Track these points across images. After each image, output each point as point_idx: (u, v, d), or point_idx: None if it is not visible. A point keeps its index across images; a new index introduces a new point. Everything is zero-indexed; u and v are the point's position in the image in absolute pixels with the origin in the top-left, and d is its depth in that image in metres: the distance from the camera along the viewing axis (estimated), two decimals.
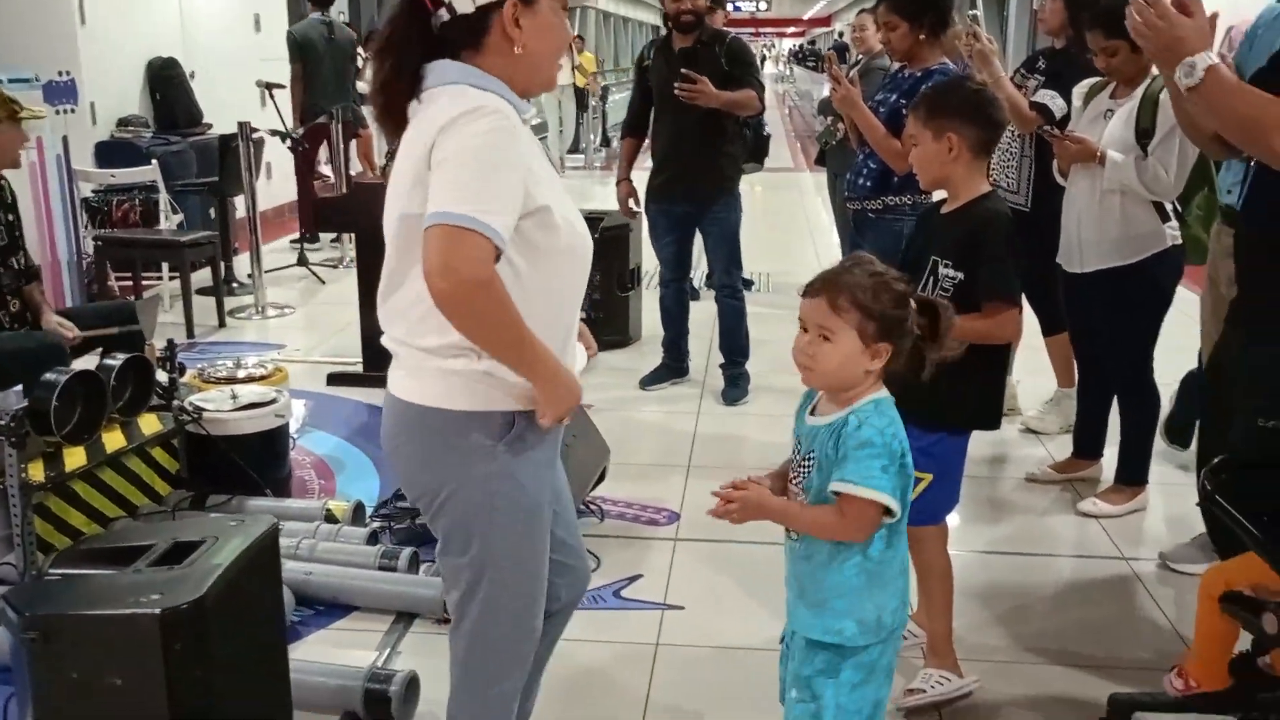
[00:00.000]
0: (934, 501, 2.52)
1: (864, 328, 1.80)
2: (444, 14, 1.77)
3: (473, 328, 1.69)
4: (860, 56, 6.34)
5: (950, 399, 2.33)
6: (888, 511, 1.81)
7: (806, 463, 1.88)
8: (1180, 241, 3.43)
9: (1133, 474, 3.62)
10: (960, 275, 2.46)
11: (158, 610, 1.85)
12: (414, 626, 2.99)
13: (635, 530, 3.55)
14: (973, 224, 2.47)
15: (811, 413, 1.92)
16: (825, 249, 6.63)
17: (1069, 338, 3.93)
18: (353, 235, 6.41)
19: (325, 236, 8.18)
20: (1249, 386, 2.42)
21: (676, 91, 4.40)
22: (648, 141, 4.93)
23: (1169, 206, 3.42)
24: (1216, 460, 1.98)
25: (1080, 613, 3.09)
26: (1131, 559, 3.36)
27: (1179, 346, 3.71)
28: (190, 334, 5.89)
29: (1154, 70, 3.36)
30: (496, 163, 1.68)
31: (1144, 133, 3.32)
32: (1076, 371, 3.99)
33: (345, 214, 5.06)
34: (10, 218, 3.96)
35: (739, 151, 4.78)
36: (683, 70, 4.43)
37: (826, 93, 5.87)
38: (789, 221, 9.34)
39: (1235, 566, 2.03)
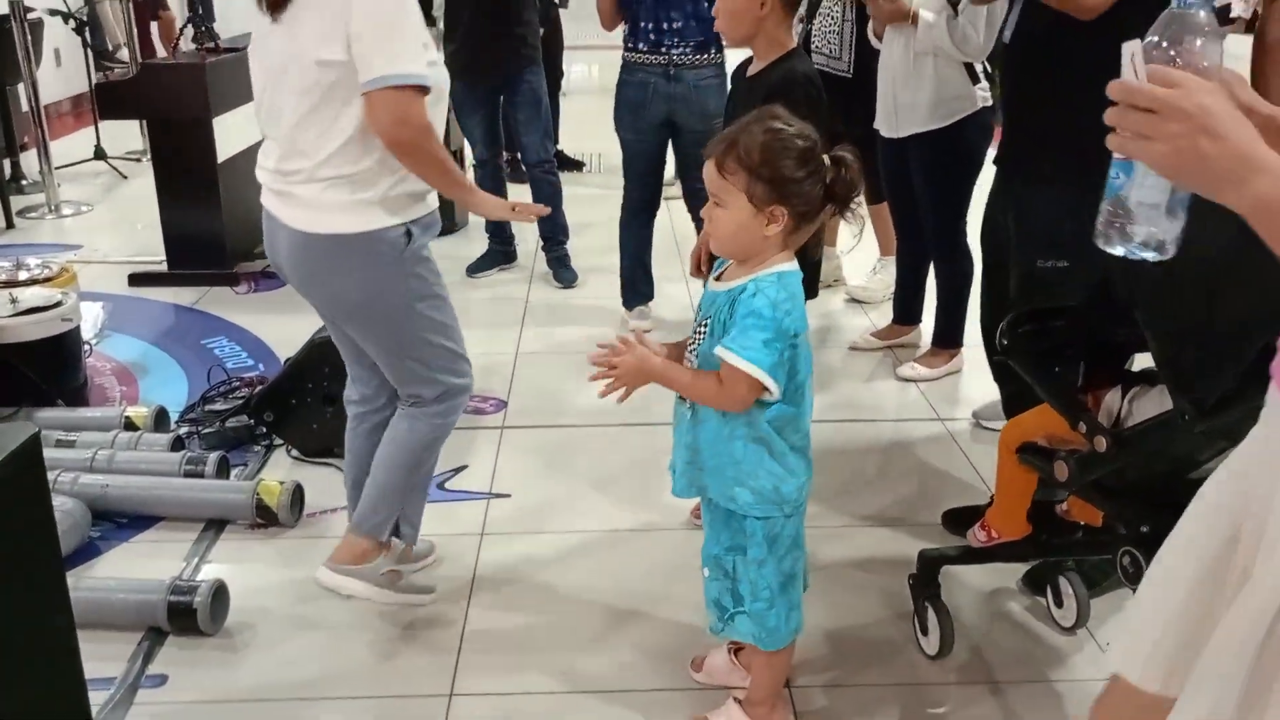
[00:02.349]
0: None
1: (753, 190, 1.71)
2: None
3: (425, 166, 2.10)
4: None
5: None
6: (766, 390, 1.75)
7: (702, 328, 1.83)
8: (991, 103, 3.46)
9: (948, 337, 3.70)
10: None
11: None
12: (225, 534, 2.85)
13: (461, 421, 3.41)
14: (771, 88, 2.35)
15: (718, 279, 1.85)
16: None
17: (888, 204, 3.95)
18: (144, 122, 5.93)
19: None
20: (1023, 231, 2.47)
21: None
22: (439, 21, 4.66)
23: (979, 68, 3.42)
24: (1012, 315, 2.00)
25: (899, 475, 3.16)
26: (947, 419, 3.45)
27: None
28: None
29: None
30: (409, 19, 2.04)
31: None
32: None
33: (136, 99, 4.66)
34: None
35: (536, 19, 4.59)
36: None
37: None
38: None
39: (1031, 418, 2.07)
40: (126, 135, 7.20)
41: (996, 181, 2.68)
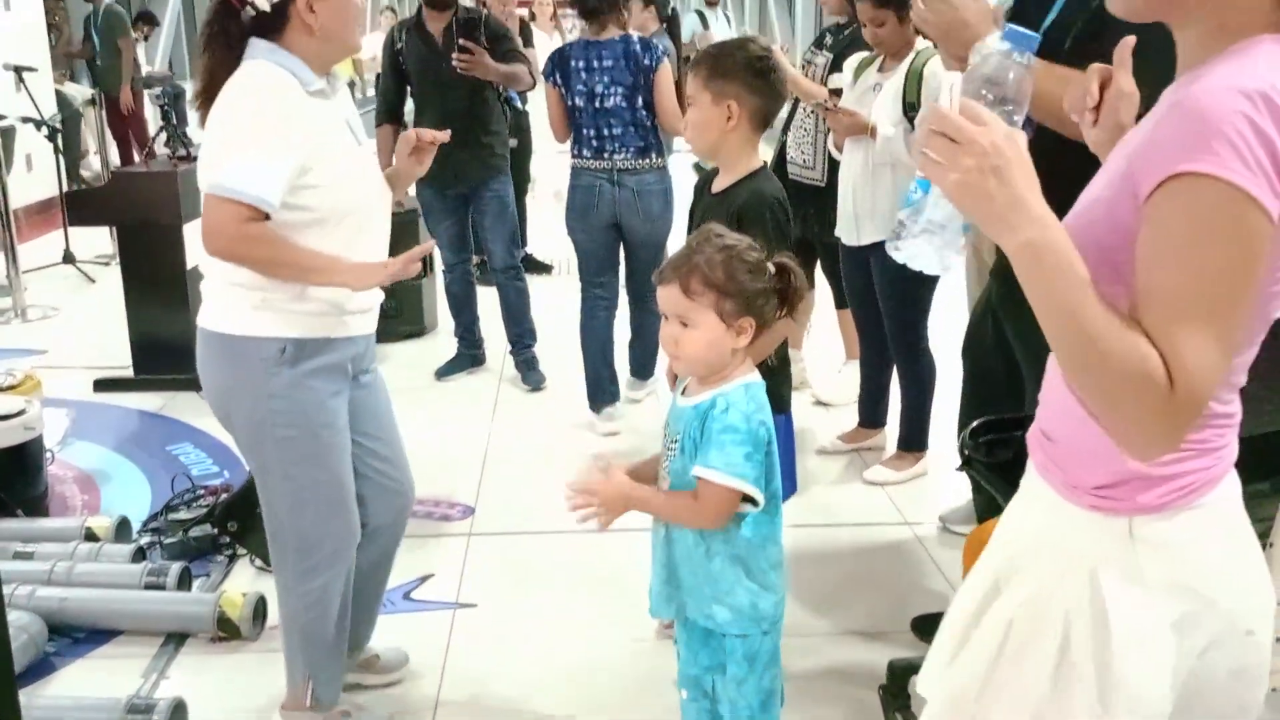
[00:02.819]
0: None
1: (722, 307, 1.74)
2: (250, 10, 2.10)
3: (256, 267, 2.07)
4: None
5: None
6: (750, 500, 1.76)
7: (673, 446, 1.83)
8: None
9: (913, 441, 3.73)
10: None
11: None
12: (185, 647, 2.80)
13: (427, 528, 3.42)
14: (737, 205, 2.34)
15: (683, 394, 1.85)
16: None
17: (850, 310, 4.02)
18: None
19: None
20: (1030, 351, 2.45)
21: (455, 62, 4.29)
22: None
23: None
24: (974, 424, 2.02)
25: (868, 581, 3.15)
26: (914, 523, 3.46)
27: (954, 314, 3.85)
28: None
29: (919, 44, 3.45)
30: (260, 135, 2.03)
31: (910, 106, 3.40)
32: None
33: (108, 206, 4.69)
34: None
35: (504, 130, 4.69)
36: (460, 41, 4.31)
37: None
38: None
39: (993, 526, 2.08)
40: (96, 238, 7.22)
41: (996, 290, 2.62)
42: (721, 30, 9.20)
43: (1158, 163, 1.02)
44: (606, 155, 3.99)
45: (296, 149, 2.05)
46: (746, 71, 2.34)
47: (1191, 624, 1.15)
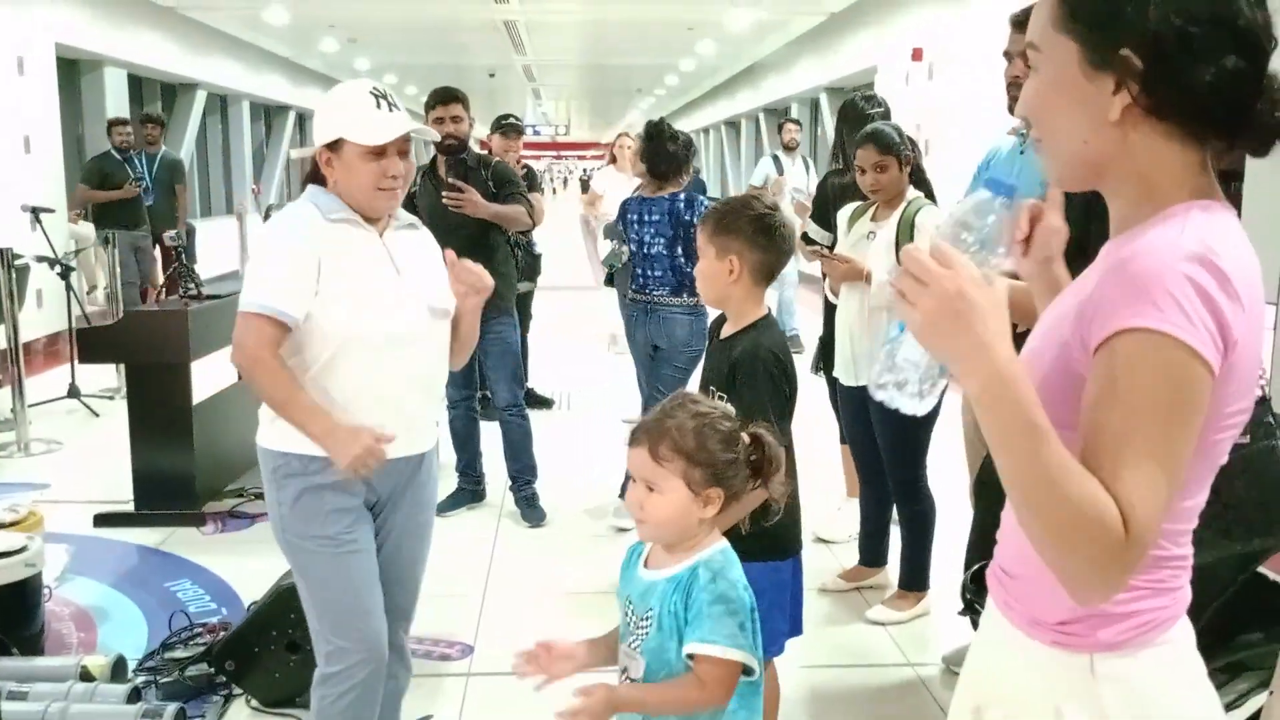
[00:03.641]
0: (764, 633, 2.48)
1: (690, 475, 1.69)
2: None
3: (256, 391, 2.28)
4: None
5: (743, 537, 2.32)
6: (746, 669, 1.70)
7: (644, 622, 1.74)
8: None
9: (914, 581, 3.73)
10: (729, 406, 2.47)
11: None
12: None
13: (426, 668, 3.39)
14: (734, 355, 2.39)
15: (645, 564, 1.78)
16: (628, 365, 6.75)
17: (849, 448, 4.06)
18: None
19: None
20: None
21: (445, 200, 4.46)
22: None
23: None
24: (975, 567, 2.05)
25: None
26: (917, 664, 3.43)
27: (954, 453, 3.89)
28: None
29: (909, 194, 3.59)
30: (277, 254, 2.30)
31: None
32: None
33: (118, 344, 4.78)
34: None
35: (512, 271, 4.82)
36: (450, 180, 4.50)
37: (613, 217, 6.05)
38: (591, 338, 9.42)
39: None
40: (101, 373, 7.31)
41: None
42: (799, 175, 9.00)
43: (1105, 318, 1.08)
44: (647, 291, 4.61)
45: (307, 258, 2.27)
46: (749, 229, 2.40)
47: None
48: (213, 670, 3.23)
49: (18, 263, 6.24)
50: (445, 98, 4.58)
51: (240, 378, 2.34)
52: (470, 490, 4.96)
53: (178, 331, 4.73)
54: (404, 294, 2.39)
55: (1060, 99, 1.17)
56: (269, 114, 18.54)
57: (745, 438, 1.75)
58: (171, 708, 2.95)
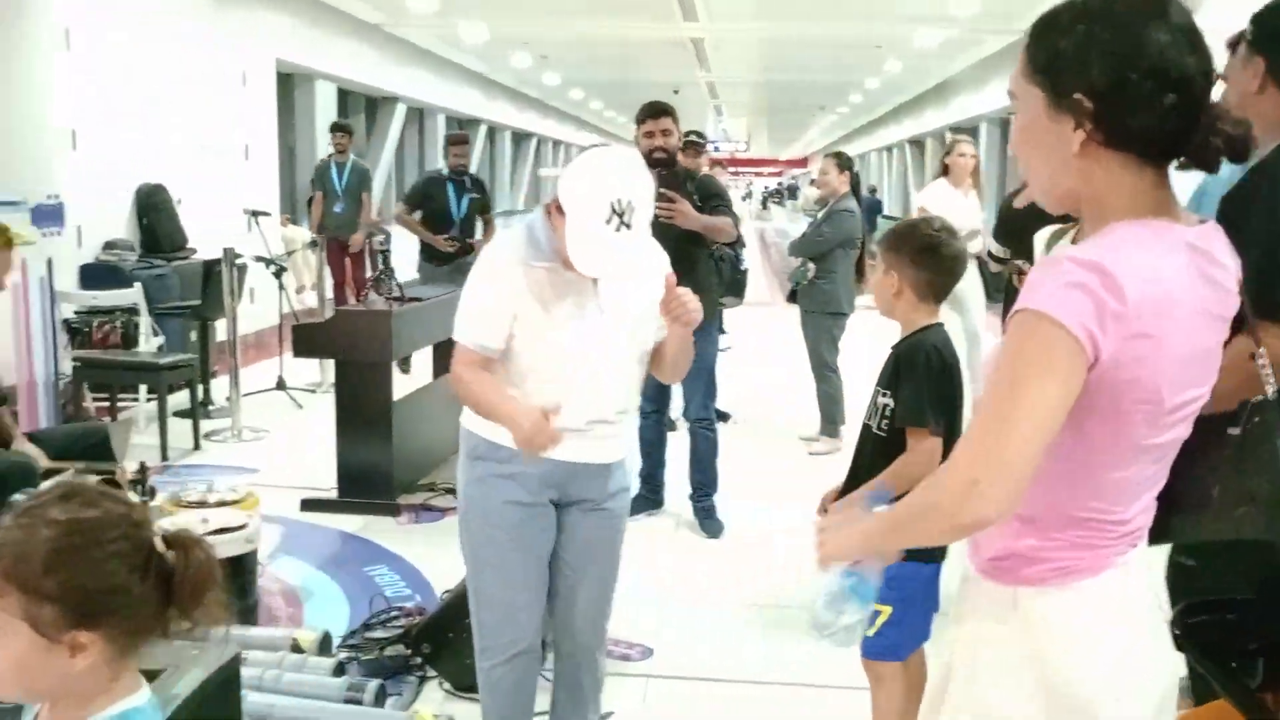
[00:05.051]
0: (893, 636, 2.50)
1: (35, 614, 1.19)
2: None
3: (459, 395, 2.48)
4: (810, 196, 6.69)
5: None
6: None
7: None
8: None
9: None
10: (890, 401, 2.52)
11: None
12: None
13: (608, 665, 3.48)
14: (899, 352, 2.54)
15: None
16: (804, 381, 6.75)
17: None
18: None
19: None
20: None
21: (655, 212, 4.48)
22: None
23: None
24: (1184, 604, 1.99)
25: None
26: None
27: None
28: (165, 456, 5.85)
29: None
30: (474, 296, 2.45)
31: None
32: None
33: (328, 340, 5.09)
34: None
35: (713, 286, 4.88)
36: (661, 190, 4.55)
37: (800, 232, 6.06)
38: (766, 356, 9.44)
39: (1207, 712, 2.02)
40: (306, 368, 7.78)
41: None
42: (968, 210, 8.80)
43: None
44: None
45: (503, 302, 2.39)
46: (913, 249, 2.54)
47: (1043, 690, 1.40)
48: (409, 652, 3.41)
49: (238, 261, 6.71)
50: (656, 112, 4.69)
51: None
52: (649, 498, 5.06)
53: (382, 331, 5.00)
54: (603, 333, 2.44)
55: (1033, 137, 1.40)
56: (461, 126, 19.30)
57: (160, 545, 1.26)
58: (373, 684, 3.15)
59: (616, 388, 2.50)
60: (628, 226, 2.27)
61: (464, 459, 2.56)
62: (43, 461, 3.80)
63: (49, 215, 6.72)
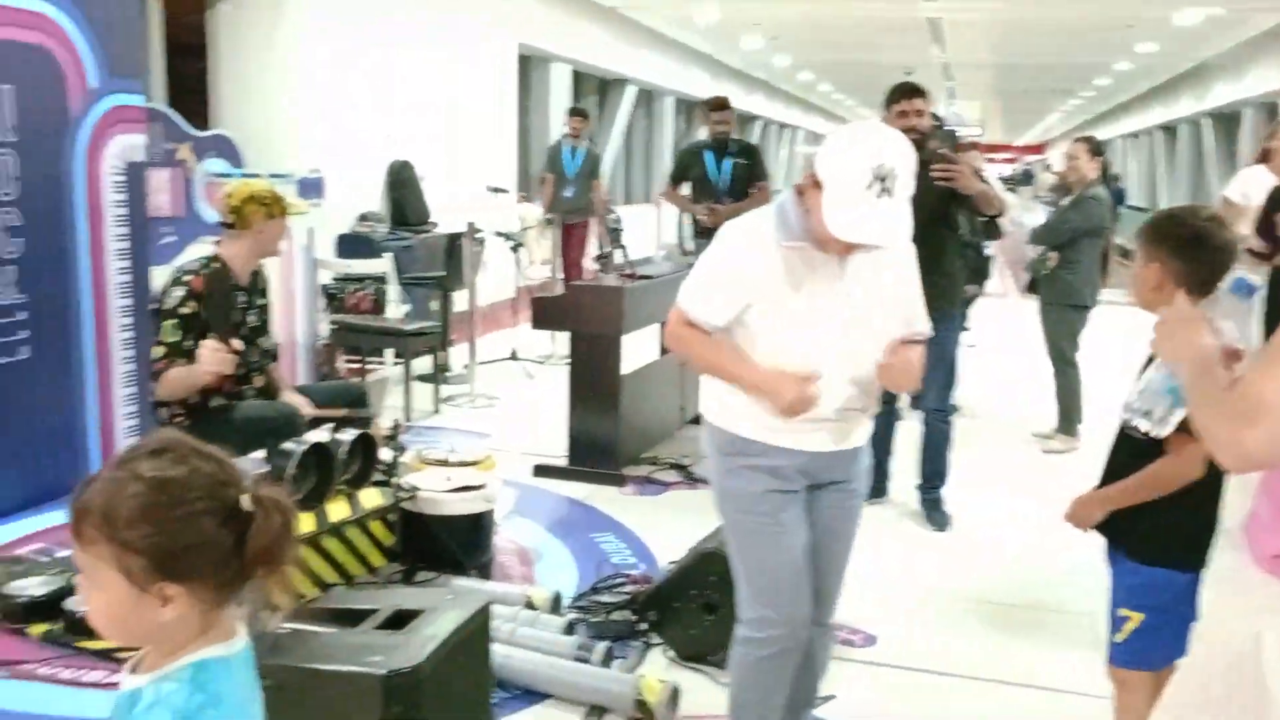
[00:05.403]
0: (1144, 645, 2.37)
1: (127, 565, 1.23)
2: None
3: (689, 364, 2.52)
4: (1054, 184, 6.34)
5: (1149, 530, 2.24)
6: None
7: None
8: None
9: None
10: None
11: (381, 672, 1.94)
12: None
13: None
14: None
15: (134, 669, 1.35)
16: (1040, 376, 6.48)
17: None
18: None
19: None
20: None
21: (933, 173, 4.27)
22: None
23: None
24: None
25: None
26: None
27: None
28: (407, 417, 6.20)
29: None
30: (712, 265, 2.45)
31: None
32: None
33: (563, 313, 5.26)
34: (262, 303, 4.31)
35: (959, 271, 4.73)
36: (940, 152, 4.41)
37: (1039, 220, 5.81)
38: (1000, 348, 9.11)
39: None
40: (537, 340, 8.07)
41: None
42: None
43: None
44: None
45: (740, 282, 2.38)
46: (1176, 239, 2.35)
47: None
48: (635, 618, 3.50)
49: (478, 236, 7.02)
50: (908, 92, 4.59)
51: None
52: (875, 486, 4.97)
53: (613, 306, 5.13)
54: (852, 317, 2.40)
55: None
56: (689, 109, 19.45)
57: (246, 502, 1.27)
58: (602, 645, 3.25)
59: (864, 374, 2.46)
60: (889, 194, 2.21)
61: (714, 453, 2.56)
62: (308, 410, 4.10)
63: (311, 188, 7.21)
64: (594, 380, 5.18)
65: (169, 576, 1.23)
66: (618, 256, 5.75)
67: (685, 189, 7.24)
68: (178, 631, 1.26)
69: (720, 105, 7.29)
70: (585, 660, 3.20)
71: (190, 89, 7.59)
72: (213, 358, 3.79)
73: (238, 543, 1.25)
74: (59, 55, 4.55)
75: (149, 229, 5.09)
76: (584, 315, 5.18)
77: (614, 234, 6.01)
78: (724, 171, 7.05)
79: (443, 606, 2.19)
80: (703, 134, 7.54)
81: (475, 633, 2.24)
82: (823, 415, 2.39)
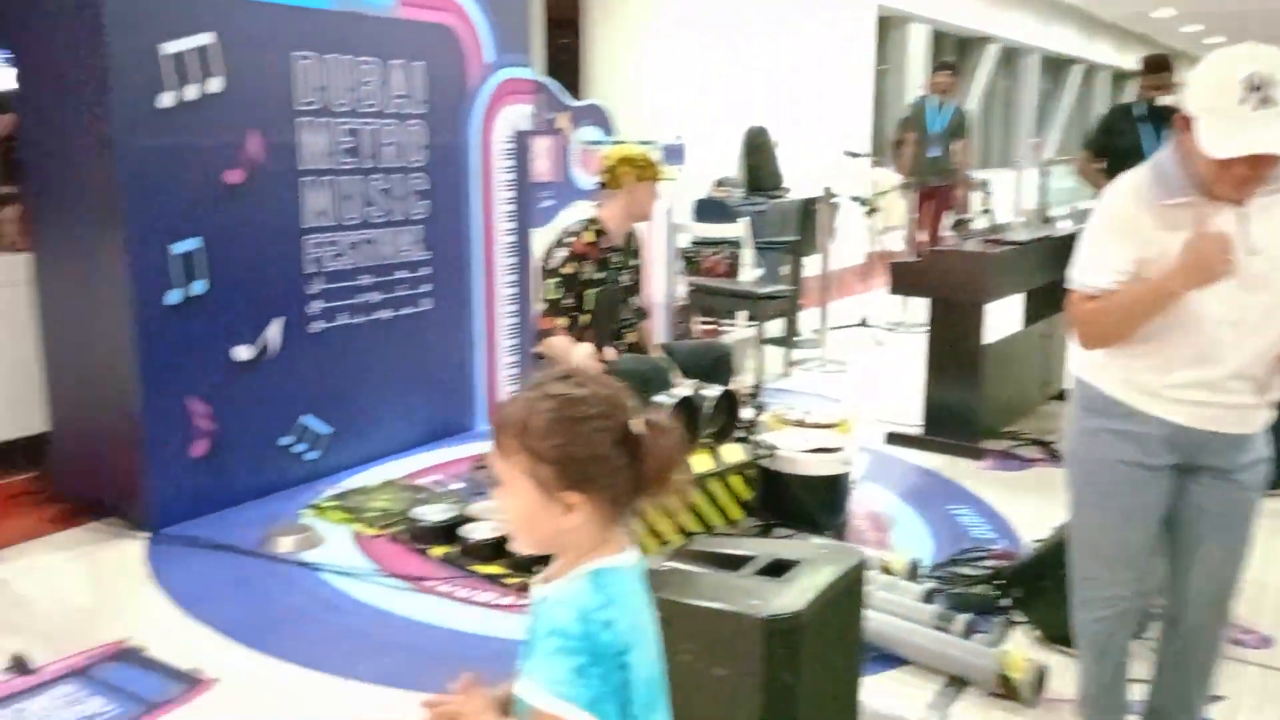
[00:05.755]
0: None
1: (537, 472, 1.38)
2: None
3: (1090, 340, 2.32)
4: None
5: None
6: None
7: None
8: None
9: None
10: None
11: (763, 614, 2.00)
12: (965, 694, 2.95)
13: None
14: None
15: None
16: None
17: None
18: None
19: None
20: None
21: None
22: None
23: None
24: None
25: None
26: None
27: None
28: (759, 379, 6.32)
29: None
30: (1094, 237, 2.29)
31: None
32: None
33: (924, 279, 5.15)
34: (635, 263, 4.52)
35: None
36: None
37: None
38: None
39: None
40: (886, 307, 7.95)
41: None
42: None
43: None
44: None
45: (1123, 249, 2.21)
46: None
47: None
48: (997, 594, 3.39)
49: (833, 200, 6.99)
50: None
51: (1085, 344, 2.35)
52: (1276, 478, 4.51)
53: (977, 273, 4.96)
54: (1251, 278, 2.16)
55: None
56: (1056, 67, 18.31)
57: (635, 425, 1.38)
58: (963, 617, 3.18)
59: (1263, 344, 2.22)
60: (1269, 103, 1.98)
61: (1076, 408, 2.45)
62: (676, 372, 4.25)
63: (674, 154, 7.46)
64: (954, 349, 5.03)
65: (572, 485, 1.36)
66: (981, 221, 5.54)
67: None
68: (579, 540, 1.40)
69: (1156, 65, 6.17)
70: (944, 630, 3.14)
71: (563, 63, 8.07)
72: (586, 363, 3.95)
73: (630, 463, 1.37)
74: (461, 33, 4.99)
75: (531, 193, 5.49)
76: (946, 281, 5.03)
77: (981, 198, 5.79)
78: (1161, 142, 6.35)
79: (818, 559, 2.23)
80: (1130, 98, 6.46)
81: (851, 587, 2.26)
82: (1212, 377, 2.20)
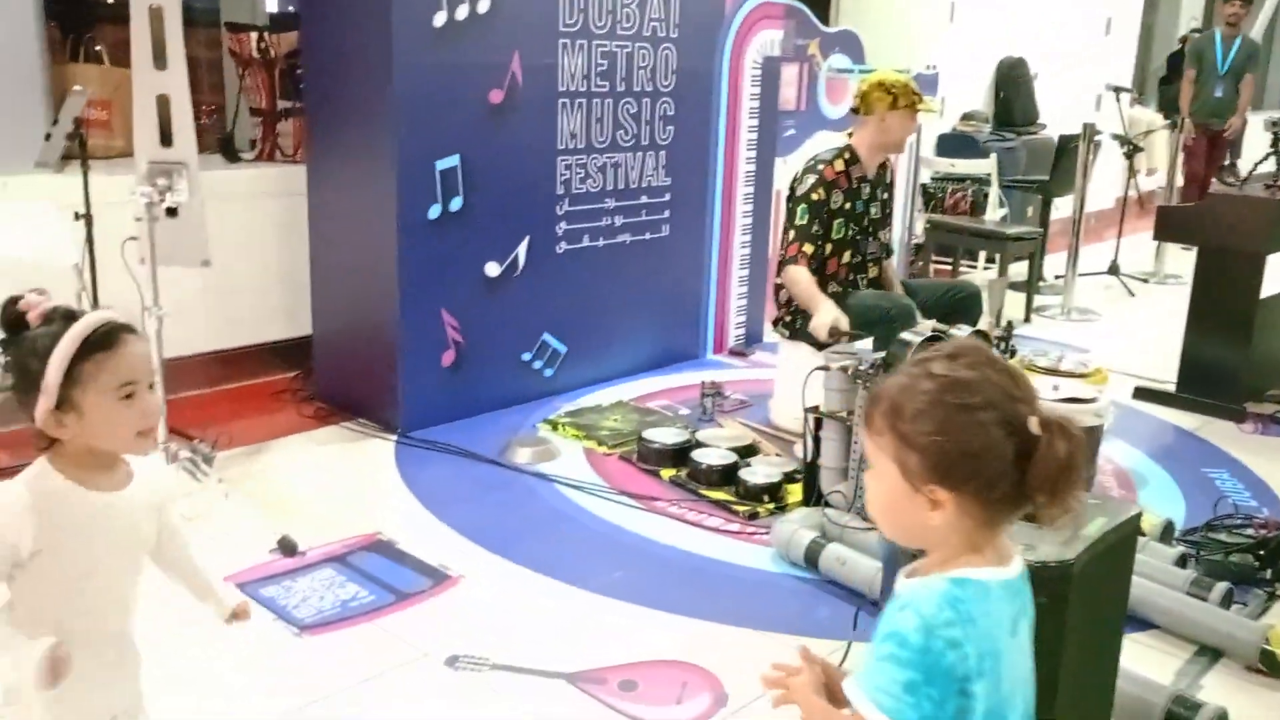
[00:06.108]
0: None
1: (904, 459, 1.24)
2: None
3: None
4: None
5: None
6: None
7: None
8: None
9: None
10: None
11: (1031, 560, 1.93)
12: (1219, 665, 2.79)
13: None
14: None
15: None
16: None
17: None
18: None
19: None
20: None
21: None
22: None
23: None
24: None
25: None
26: None
27: None
28: (998, 323, 6.06)
29: None
30: None
31: None
32: None
33: (1195, 226, 4.78)
34: (885, 197, 4.39)
35: None
36: None
37: None
38: None
39: None
40: (1140, 256, 7.46)
41: None
42: None
43: None
44: None
45: None
46: None
47: None
48: (1257, 564, 3.17)
49: (1095, 139, 6.56)
50: None
51: None
52: None
53: (1258, 221, 4.58)
54: None
55: None
56: None
57: (1034, 425, 1.18)
58: (1221, 585, 2.99)
59: None
60: None
61: None
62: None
63: (926, 85, 7.16)
64: (1223, 302, 4.67)
65: (941, 480, 1.22)
66: (1270, 165, 5.08)
67: None
68: (946, 540, 1.26)
69: None
70: (1200, 598, 2.97)
71: None
72: (820, 329, 3.82)
73: (1016, 464, 1.20)
74: None
75: (776, 122, 5.41)
76: (1221, 229, 4.66)
77: (1271, 140, 5.31)
78: None
79: (1090, 510, 2.13)
80: None
81: (1123, 541, 2.16)
82: None
